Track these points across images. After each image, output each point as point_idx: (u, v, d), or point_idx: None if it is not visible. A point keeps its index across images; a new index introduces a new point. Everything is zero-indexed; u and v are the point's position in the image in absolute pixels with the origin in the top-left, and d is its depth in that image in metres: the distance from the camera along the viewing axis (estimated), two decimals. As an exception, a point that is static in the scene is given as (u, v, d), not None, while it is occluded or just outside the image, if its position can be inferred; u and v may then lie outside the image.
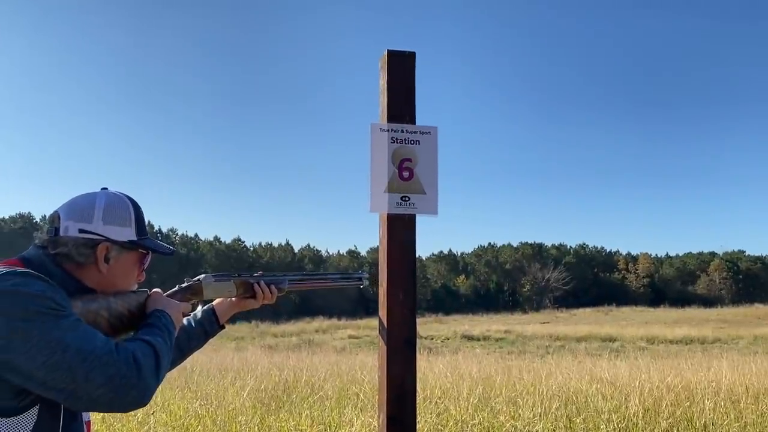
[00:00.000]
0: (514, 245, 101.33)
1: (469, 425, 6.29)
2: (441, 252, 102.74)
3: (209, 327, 2.00)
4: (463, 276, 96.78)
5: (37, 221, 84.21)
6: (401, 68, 2.24)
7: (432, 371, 10.76)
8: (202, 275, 1.93)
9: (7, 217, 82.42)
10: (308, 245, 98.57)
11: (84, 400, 1.27)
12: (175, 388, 9.02)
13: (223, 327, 2.02)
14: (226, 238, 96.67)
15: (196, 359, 17.36)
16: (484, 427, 6.23)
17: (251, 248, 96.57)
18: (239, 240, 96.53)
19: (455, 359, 15.22)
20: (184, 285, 1.87)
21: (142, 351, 1.35)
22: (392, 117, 2.22)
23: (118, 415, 6.51)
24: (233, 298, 2.02)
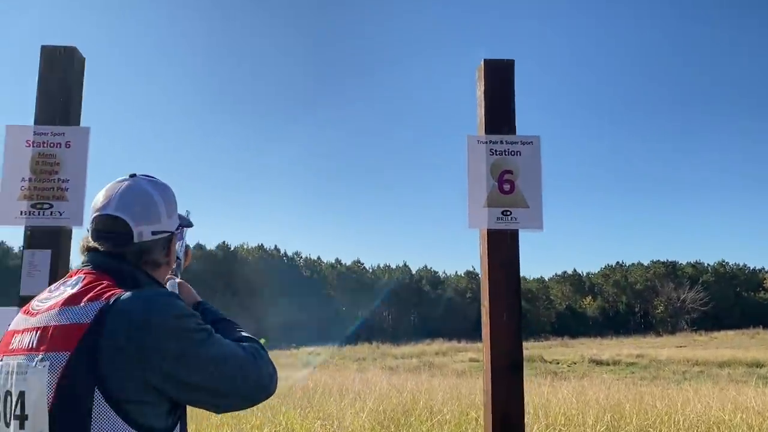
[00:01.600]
0: (645, 264, 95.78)
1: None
2: (565, 272, 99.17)
3: None
4: (590, 297, 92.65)
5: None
6: (499, 77, 2.14)
7: (555, 396, 10.29)
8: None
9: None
10: (425, 266, 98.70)
11: (239, 399, 1.40)
12: (297, 408, 9.24)
13: None
14: (347, 260, 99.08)
15: (319, 379, 17.76)
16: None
17: (370, 270, 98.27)
18: (359, 262, 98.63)
19: (581, 384, 14.49)
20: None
21: (254, 346, 1.48)
22: (490, 128, 2.12)
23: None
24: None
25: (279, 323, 78.36)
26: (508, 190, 2.11)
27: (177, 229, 1.55)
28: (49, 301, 1.34)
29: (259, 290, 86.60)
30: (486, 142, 2.12)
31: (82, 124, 2.15)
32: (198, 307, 1.64)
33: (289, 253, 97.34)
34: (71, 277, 1.40)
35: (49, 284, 1.71)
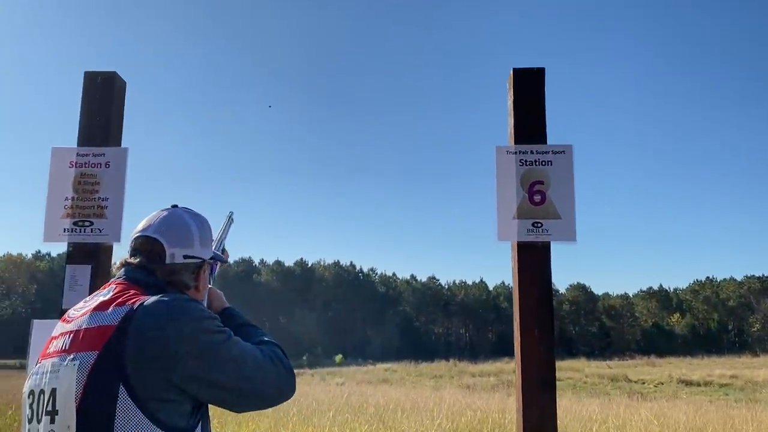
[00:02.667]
0: (738, 279, 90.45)
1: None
2: (650, 288, 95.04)
3: None
4: (678, 314, 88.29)
5: (256, 264, 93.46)
6: (528, 86, 2.09)
7: (632, 417, 9.83)
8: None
9: (231, 261, 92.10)
10: (503, 282, 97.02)
11: (259, 400, 1.48)
12: (366, 423, 9.24)
13: None
14: (422, 277, 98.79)
15: (391, 395, 17.70)
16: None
17: (446, 286, 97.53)
18: (434, 278, 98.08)
19: (662, 405, 13.77)
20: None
21: (273, 350, 1.54)
22: (520, 138, 2.07)
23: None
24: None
25: (355, 339, 78.90)
26: (539, 201, 2.05)
27: (211, 259, 1.64)
28: (83, 309, 1.45)
29: (334, 306, 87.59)
30: (516, 153, 2.08)
31: (123, 145, 2.27)
32: (225, 312, 1.70)
33: (365, 269, 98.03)
34: (105, 288, 1.51)
35: None
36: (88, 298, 1.51)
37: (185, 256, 1.55)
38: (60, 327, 1.46)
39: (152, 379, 1.31)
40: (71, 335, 1.40)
